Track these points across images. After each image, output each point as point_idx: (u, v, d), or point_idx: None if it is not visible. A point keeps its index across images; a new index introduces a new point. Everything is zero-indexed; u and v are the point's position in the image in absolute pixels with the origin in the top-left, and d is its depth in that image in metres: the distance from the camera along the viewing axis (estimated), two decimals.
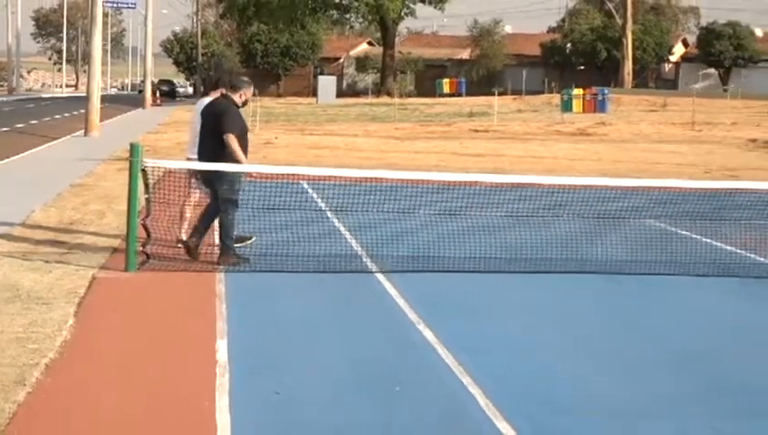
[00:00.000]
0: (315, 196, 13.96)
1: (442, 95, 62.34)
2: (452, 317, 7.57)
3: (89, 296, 7.73)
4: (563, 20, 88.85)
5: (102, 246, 9.85)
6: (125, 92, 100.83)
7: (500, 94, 45.40)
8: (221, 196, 9.17)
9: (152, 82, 58.69)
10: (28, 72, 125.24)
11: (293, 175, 12.71)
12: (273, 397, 5.54)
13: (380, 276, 8.89)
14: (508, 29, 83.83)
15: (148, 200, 8.93)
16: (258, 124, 29.90)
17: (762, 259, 10.56)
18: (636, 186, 12.37)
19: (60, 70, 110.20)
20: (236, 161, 9.08)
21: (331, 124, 37.59)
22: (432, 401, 5.58)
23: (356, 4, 66.03)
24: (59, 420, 5.08)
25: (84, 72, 62.34)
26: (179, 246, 9.56)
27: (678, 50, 79.95)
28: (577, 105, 41.36)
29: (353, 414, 5.34)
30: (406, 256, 9.65)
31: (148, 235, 8.95)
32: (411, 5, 68.77)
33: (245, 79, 9.81)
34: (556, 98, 48.17)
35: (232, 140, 9.07)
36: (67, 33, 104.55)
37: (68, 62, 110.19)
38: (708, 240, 11.38)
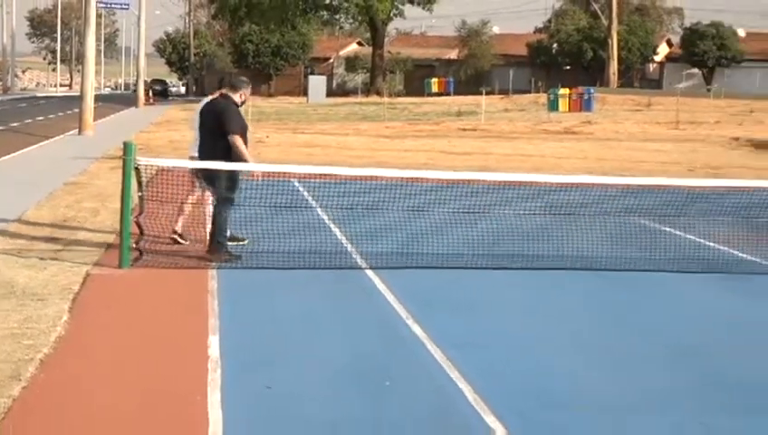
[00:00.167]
0: (306, 194, 14.04)
1: (430, 94, 62.28)
2: (441, 313, 7.65)
3: (83, 293, 7.80)
4: (550, 20, 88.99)
5: (96, 243, 9.92)
6: (118, 92, 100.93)
7: (487, 94, 45.42)
8: (219, 193, 9.31)
9: (145, 82, 58.62)
10: (23, 72, 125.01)
11: (285, 173, 12.76)
12: (264, 392, 5.61)
13: (370, 273, 8.97)
14: (496, 30, 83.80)
15: (141, 198, 8.99)
16: (250, 123, 29.85)
17: (744, 255, 10.67)
18: (622, 184, 12.48)
19: (54, 69, 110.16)
20: (244, 161, 9.25)
21: (322, 123, 37.62)
22: (421, 396, 5.65)
23: (346, 5, 65.92)
24: (53, 415, 5.14)
25: (78, 71, 62.20)
26: (174, 236, 9.90)
27: (663, 50, 80.00)
28: (563, 104, 41.52)
29: (344, 409, 5.41)
30: (396, 253, 9.75)
31: (142, 232, 9.04)
32: (400, 6, 68.76)
33: (245, 79, 10.03)
34: (543, 97, 48.31)
35: (238, 141, 9.24)
36: (61, 34, 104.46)
37: (62, 61, 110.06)
38: (692, 237, 11.51)
